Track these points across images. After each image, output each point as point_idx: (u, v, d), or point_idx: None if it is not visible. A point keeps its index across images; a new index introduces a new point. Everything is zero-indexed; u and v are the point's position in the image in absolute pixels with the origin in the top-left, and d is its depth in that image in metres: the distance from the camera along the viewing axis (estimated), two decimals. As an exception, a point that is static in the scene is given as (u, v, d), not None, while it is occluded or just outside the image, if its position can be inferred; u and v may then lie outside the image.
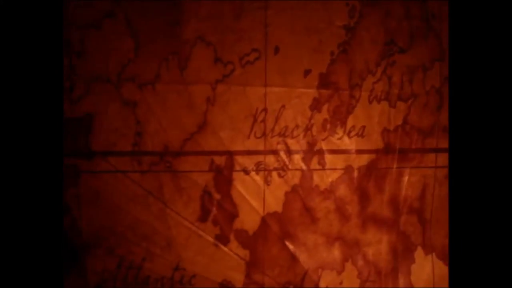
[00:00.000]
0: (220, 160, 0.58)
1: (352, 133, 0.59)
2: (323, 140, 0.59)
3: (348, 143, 0.60)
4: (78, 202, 0.59)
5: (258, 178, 0.59)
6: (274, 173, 0.59)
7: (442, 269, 0.66)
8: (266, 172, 0.59)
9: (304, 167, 0.59)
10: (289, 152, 0.59)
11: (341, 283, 0.63)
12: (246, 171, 0.58)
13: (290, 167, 0.59)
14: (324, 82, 0.58)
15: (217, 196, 0.59)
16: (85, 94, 0.56)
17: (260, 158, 0.58)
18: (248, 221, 0.60)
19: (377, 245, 0.63)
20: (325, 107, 0.58)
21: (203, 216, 0.59)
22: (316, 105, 0.58)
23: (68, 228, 0.59)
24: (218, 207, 0.59)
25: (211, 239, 0.60)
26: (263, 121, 0.58)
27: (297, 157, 0.59)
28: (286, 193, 0.60)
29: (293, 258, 0.61)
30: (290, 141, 0.59)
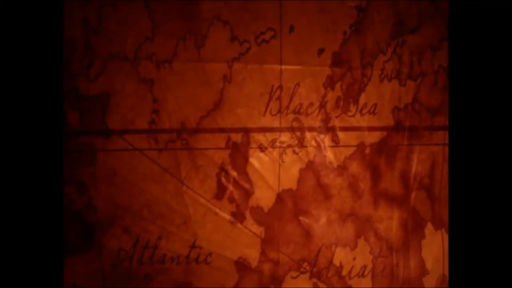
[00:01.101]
0: (236, 137, 0.59)
1: (364, 111, 0.61)
2: (337, 117, 0.60)
3: (360, 120, 0.61)
4: (94, 181, 0.59)
5: (273, 155, 0.60)
6: (289, 150, 0.60)
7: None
8: (281, 149, 0.60)
9: (318, 144, 0.61)
10: (303, 129, 0.60)
11: (354, 259, 0.64)
12: (261, 148, 0.59)
13: (304, 144, 0.60)
14: (337, 60, 0.59)
15: (233, 173, 0.60)
16: (102, 72, 0.56)
17: (275, 135, 0.59)
18: (264, 198, 0.61)
19: (388, 221, 0.64)
20: (338, 85, 0.60)
21: (219, 194, 0.60)
22: (329, 83, 0.59)
23: (84, 207, 0.59)
24: (234, 184, 0.60)
25: (227, 217, 0.60)
26: (278, 98, 0.59)
27: (311, 134, 0.60)
28: (301, 170, 0.61)
29: (308, 235, 0.62)
30: (304, 118, 0.60)
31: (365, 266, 0.65)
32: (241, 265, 0.62)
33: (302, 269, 0.63)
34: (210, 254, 0.61)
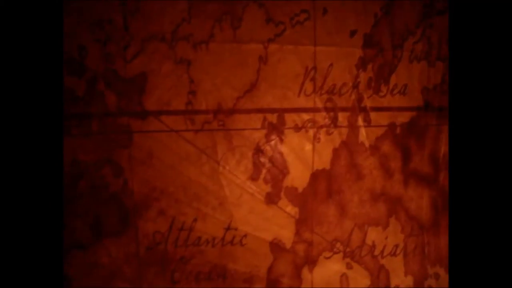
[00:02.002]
0: (271, 118, 0.59)
1: (395, 91, 0.62)
2: (368, 97, 0.61)
3: (391, 100, 0.62)
4: (130, 163, 0.58)
5: (307, 135, 0.61)
6: (323, 130, 0.61)
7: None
8: (315, 130, 0.61)
9: (350, 124, 0.61)
10: (336, 110, 0.61)
11: (386, 238, 0.65)
12: (296, 129, 0.60)
13: (337, 124, 0.61)
14: (369, 42, 0.61)
15: (268, 153, 0.60)
16: (139, 53, 0.56)
17: (310, 115, 0.60)
18: (298, 178, 0.61)
19: (419, 201, 0.65)
20: (369, 66, 0.61)
21: (255, 174, 0.60)
22: (361, 64, 0.61)
23: (120, 190, 0.59)
24: (269, 165, 0.60)
25: (262, 197, 0.61)
26: (313, 79, 0.60)
27: (344, 115, 0.61)
28: (334, 150, 0.61)
29: (341, 214, 0.63)
30: (337, 99, 0.61)
31: (397, 245, 0.66)
32: (276, 246, 0.62)
33: (335, 249, 0.64)
34: (245, 235, 0.61)
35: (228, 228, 0.61)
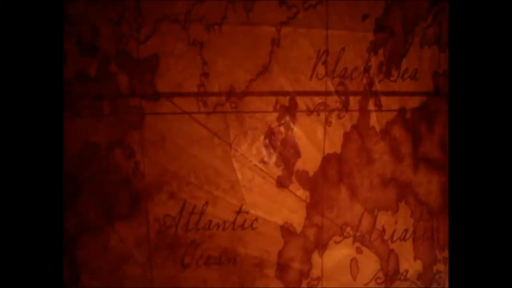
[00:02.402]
0: (283, 101, 0.59)
1: (406, 76, 0.62)
2: (379, 82, 0.62)
3: (402, 85, 0.63)
4: (141, 145, 0.58)
5: (319, 119, 0.61)
6: (334, 114, 0.61)
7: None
8: (327, 113, 0.61)
9: (361, 108, 0.62)
10: (348, 93, 0.61)
11: (396, 222, 0.65)
12: (308, 112, 0.60)
13: (349, 108, 0.61)
14: (380, 26, 0.61)
15: (280, 137, 0.60)
16: (152, 34, 0.56)
17: (322, 99, 0.60)
18: (309, 161, 0.61)
19: (428, 186, 0.66)
20: (381, 51, 0.61)
21: (267, 157, 0.60)
22: (373, 48, 0.61)
23: (131, 172, 0.59)
24: (281, 148, 0.60)
25: (273, 181, 0.61)
26: (325, 63, 0.60)
27: (355, 99, 0.61)
28: (345, 134, 0.61)
29: (351, 199, 0.63)
30: (349, 83, 0.61)
31: (406, 230, 0.66)
32: (286, 231, 0.62)
33: (345, 234, 0.64)
34: (256, 219, 0.61)
35: (239, 212, 0.61)
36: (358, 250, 0.64)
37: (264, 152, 0.60)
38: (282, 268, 0.63)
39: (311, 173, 0.61)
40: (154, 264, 0.61)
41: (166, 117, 0.57)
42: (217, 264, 0.62)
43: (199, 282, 0.62)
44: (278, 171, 0.60)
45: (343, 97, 0.61)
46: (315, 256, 0.63)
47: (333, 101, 0.60)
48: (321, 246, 0.63)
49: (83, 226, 0.59)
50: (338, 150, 0.61)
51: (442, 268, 0.69)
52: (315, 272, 0.64)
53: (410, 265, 0.67)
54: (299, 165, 0.61)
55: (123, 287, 0.61)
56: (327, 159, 0.61)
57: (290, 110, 0.59)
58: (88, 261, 0.59)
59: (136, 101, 0.56)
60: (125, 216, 0.59)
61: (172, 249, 0.61)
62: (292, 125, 0.60)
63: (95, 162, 0.58)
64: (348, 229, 0.63)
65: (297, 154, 0.60)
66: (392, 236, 0.65)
